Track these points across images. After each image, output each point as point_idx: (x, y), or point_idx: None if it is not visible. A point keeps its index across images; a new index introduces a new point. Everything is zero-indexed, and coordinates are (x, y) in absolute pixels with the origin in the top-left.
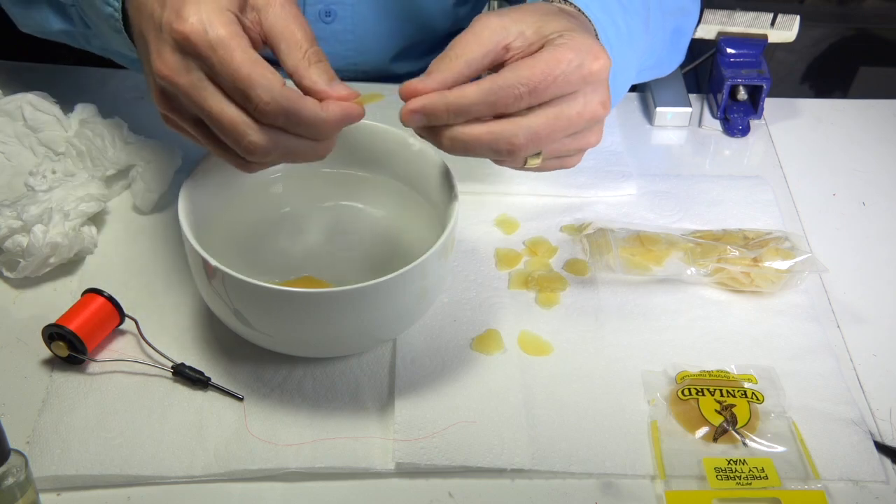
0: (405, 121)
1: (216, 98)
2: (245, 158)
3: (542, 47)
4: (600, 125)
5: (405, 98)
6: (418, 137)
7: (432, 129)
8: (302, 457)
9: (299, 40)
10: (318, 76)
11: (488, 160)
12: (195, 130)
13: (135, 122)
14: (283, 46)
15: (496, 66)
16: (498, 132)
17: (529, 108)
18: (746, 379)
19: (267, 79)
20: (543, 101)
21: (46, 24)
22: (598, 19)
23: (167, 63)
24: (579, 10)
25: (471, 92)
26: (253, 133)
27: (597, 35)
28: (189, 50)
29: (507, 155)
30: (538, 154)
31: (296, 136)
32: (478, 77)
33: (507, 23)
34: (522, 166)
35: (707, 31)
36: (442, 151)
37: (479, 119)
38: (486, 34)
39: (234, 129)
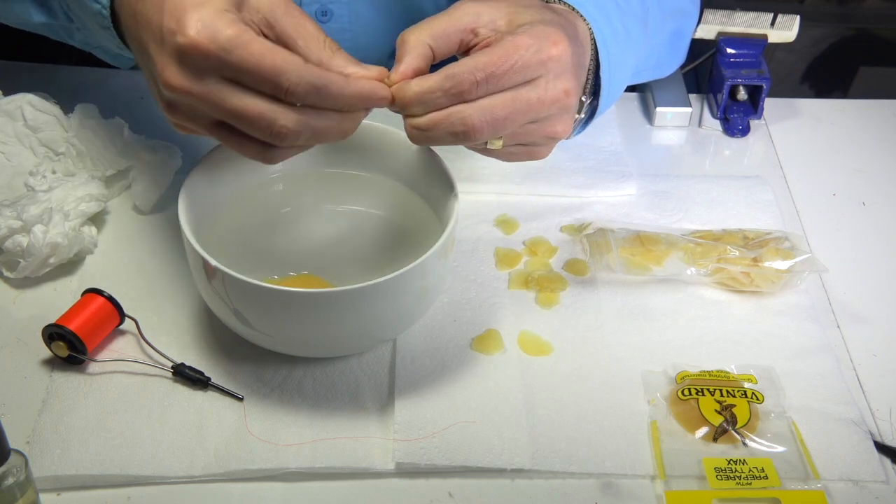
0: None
1: (237, 96)
2: (271, 148)
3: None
4: (567, 114)
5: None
6: None
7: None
8: (302, 457)
9: (314, 33)
10: (343, 62)
11: (488, 156)
12: (213, 133)
13: (135, 122)
14: (302, 43)
15: (464, 52)
16: (451, 113)
17: (488, 94)
18: (746, 379)
19: (291, 62)
20: (504, 88)
21: (27, 15)
22: (593, 18)
23: (176, 76)
24: (571, 8)
25: (428, 81)
26: (282, 117)
27: (591, 32)
28: (198, 58)
29: (463, 137)
30: (500, 137)
31: (324, 113)
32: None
33: (481, 9)
34: (484, 146)
35: (707, 31)
36: (442, 150)
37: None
38: (458, 14)
39: (262, 119)
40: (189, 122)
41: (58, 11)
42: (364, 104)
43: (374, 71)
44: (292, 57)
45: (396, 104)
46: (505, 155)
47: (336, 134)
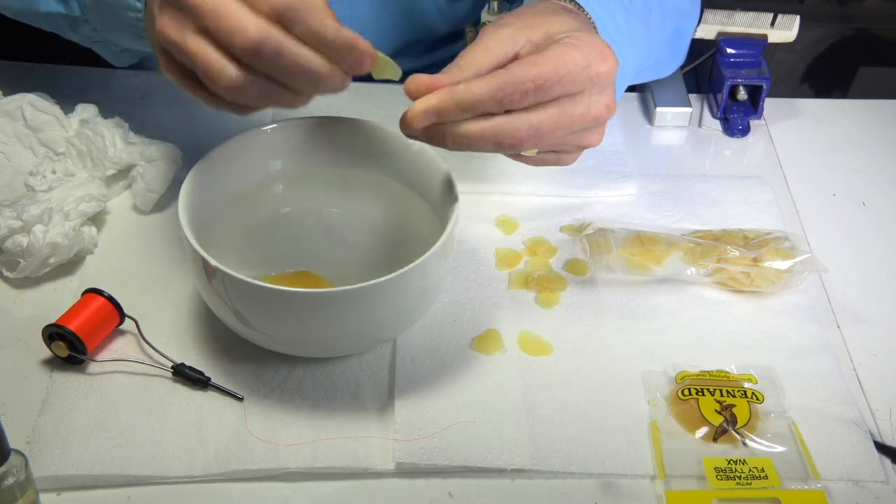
0: (413, 121)
1: (197, 41)
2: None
3: (549, 46)
4: (602, 126)
5: (413, 93)
6: None
7: (433, 127)
8: (302, 457)
9: (318, 4)
10: (344, 30)
11: (487, 155)
12: (193, 85)
13: (135, 122)
14: (306, 13)
15: None
16: (501, 126)
17: (535, 105)
18: (746, 379)
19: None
20: (549, 99)
21: (34, 4)
22: (598, 16)
23: (164, 21)
24: (580, 7)
25: (478, 87)
26: (228, 70)
27: (596, 32)
28: (181, 4)
29: (509, 148)
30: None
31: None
32: None
33: (515, 33)
34: (518, 154)
35: (707, 31)
36: (442, 150)
37: (483, 115)
38: (496, 46)
39: (213, 64)
40: (177, 73)
41: (71, 1)
42: (335, 43)
43: (364, 43)
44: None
45: (441, 110)
46: (535, 161)
47: (305, 71)
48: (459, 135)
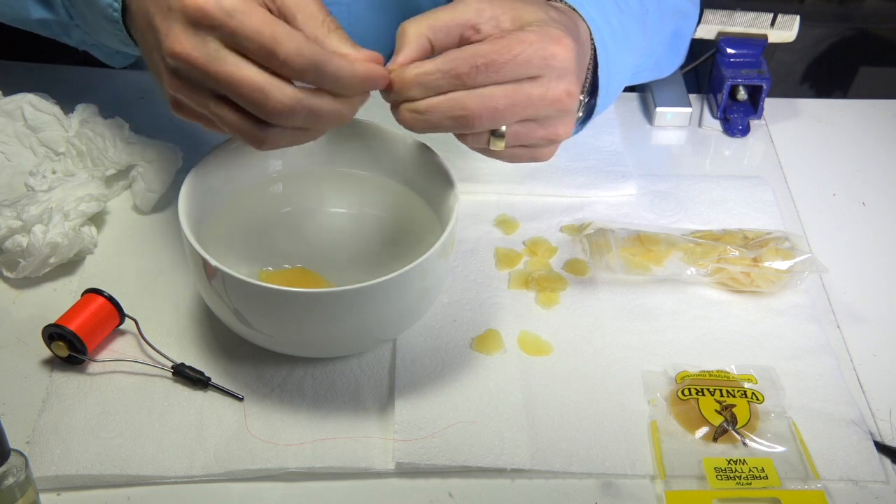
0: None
1: (237, 63)
2: (265, 128)
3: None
4: (568, 116)
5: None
6: (418, 137)
7: (396, 106)
8: (302, 457)
9: (314, 11)
10: (339, 42)
11: (491, 157)
12: (212, 108)
13: (135, 122)
14: (300, 18)
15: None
16: (453, 99)
17: (491, 84)
18: (746, 379)
19: (291, 34)
20: (505, 79)
21: (24, 11)
22: (592, 17)
23: (180, 40)
24: (572, 8)
25: (429, 63)
26: (278, 91)
27: (590, 33)
28: (204, 22)
29: (462, 123)
30: (502, 137)
31: (321, 93)
32: None
33: (484, 5)
34: (486, 146)
35: (707, 31)
36: (442, 150)
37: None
38: (460, 9)
39: (258, 90)
40: (189, 94)
41: (58, 6)
42: (361, 87)
43: (368, 54)
44: (294, 31)
45: (395, 88)
46: (507, 156)
47: (333, 118)
48: (414, 109)
